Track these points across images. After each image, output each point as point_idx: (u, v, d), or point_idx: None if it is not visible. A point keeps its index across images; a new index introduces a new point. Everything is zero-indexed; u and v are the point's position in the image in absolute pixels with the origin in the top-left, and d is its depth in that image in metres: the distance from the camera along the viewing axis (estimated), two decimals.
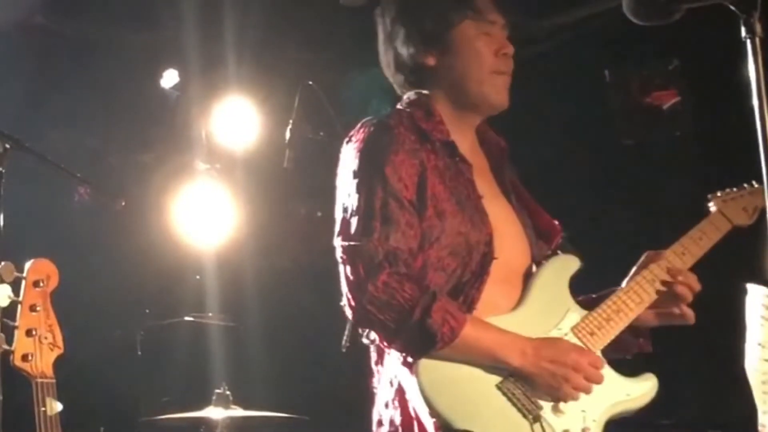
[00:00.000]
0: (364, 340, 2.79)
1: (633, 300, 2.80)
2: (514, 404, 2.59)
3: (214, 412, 4.67)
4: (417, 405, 2.59)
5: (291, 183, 5.80)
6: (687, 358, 4.70)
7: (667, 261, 2.84)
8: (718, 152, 5.03)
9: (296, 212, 6.34)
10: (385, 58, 2.97)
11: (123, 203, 3.81)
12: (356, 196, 2.69)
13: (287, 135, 4.80)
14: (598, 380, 2.65)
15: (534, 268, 2.84)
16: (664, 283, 2.82)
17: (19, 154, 3.46)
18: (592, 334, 2.73)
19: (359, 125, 2.83)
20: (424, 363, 2.55)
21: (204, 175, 6.11)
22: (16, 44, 5.34)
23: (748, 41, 1.98)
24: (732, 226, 2.97)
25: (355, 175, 2.71)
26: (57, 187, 5.58)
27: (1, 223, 3.25)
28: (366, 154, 2.72)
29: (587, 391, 2.63)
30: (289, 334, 6.12)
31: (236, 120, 5.94)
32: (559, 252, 2.90)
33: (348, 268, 2.62)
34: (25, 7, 5.37)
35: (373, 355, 2.81)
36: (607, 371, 2.72)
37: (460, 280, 2.68)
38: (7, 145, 3.38)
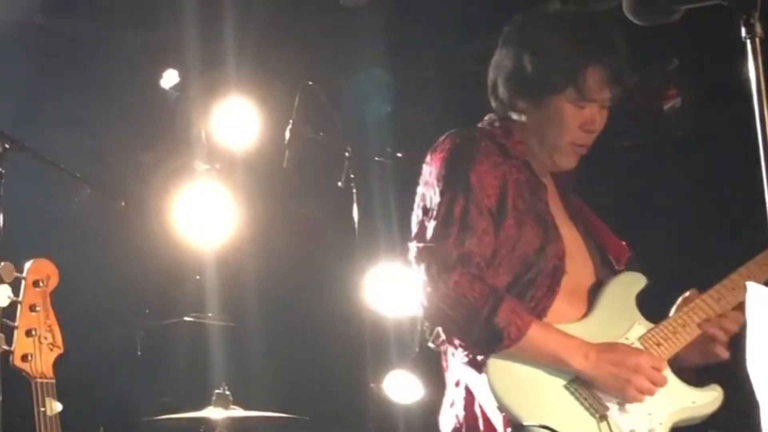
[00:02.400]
0: (431, 345, 2.89)
1: (698, 315, 2.85)
2: (582, 403, 2.66)
3: (214, 412, 4.67)
4: (484, 402, 2.68)
5: (291, 183, 5.80)
6: None
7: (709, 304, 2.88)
8: (718, 152, 5.03)
9: (296, 212, 6.33)
10: (490, 81, 2.98)
11: (123, 203, 3.82)
12: (438, 200, 2.77)
13: (287, 135, 4.80)
14: (661, 382, 2.72)
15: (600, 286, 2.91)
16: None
17: (19, 154, 3.46)
18: (658, 344, 2.80)
19: (444, 136, 2.90)
20: (494, 361, 2.64)
21: (204, 175, 6.11)
22: (16, 44, 5.33)
23: (748, 41, 1.98)
24: None
25: (440, 180, 2.80)
26: (57, 187, 5.57)
27: (1, 223, 3.25)
28: (452, 162, 2.81)
29: (650, 393, 2.70)
30: (289, 334, 6.11)
31: (236, 120, 5.94)
32: (625, 271, 2.97)
33: (421, 267, 2.70)
34: (24, 7, 5.37)
35: (443, 361, 2.91)
36: (673, 379, 2.79)
37: (531, 289, 2.76)
38: (7, 145, 3.39)
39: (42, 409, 2.76)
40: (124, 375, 5.75)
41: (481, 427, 2.70)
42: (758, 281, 2.85)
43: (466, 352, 2.71)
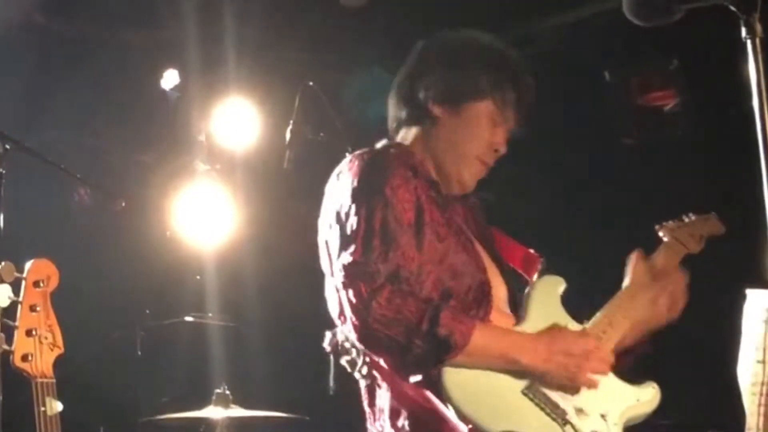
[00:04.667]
0: (356, 375, 2.80)
1: (621, 314, 2.87)
2: (542, 409, 2.64)
3: (214, 412, 4.67)
4: (436, 418, 2.59)
5: (291, 183, 5.79)
6: (687, 358, 4.70)
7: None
8: (718, 152, 5.03)
9: (296, 212, 6.32)
10: (401, 90, 3.01)
11: (123, 203, 3.82)
12: (355, 218, 2.68)
13: (287, 135, 4.80)
14: (608, 360, 2.73)
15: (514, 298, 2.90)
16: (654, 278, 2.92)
17: (19, 154, 3.46)
18: (598, 338, 2.78)
19: (349, 158, 2.87)
20: (448, 371, 2.57)
21: (204, 175, 6.11)
22: (16, 44, 5.33)
23: (748, 41, 1.98)
24: (687, 251, 3.07)
25: (354, 197, 2.72)
26: (57, 187, 5.57)
27: (1, 223, 3.25)
28: (364, 177, 2.74)
29: (603, 373, 2.70)
30: (289, 334, 6.11)
31: (236, 120, 5.94)
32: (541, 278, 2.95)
33: (350, 291, 2.60)
34: (24, 7, 5.37)
35: (365, 396, 2.81)
36: (615, 379, 2.79)
37: (464, 302, 2.71)
38: (7, 146, 3.39)
39: (42, 408, 2.76)
40: (124, 375, 5.75)
41: None
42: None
43: (414, 376, 2.60)
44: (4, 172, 3.33)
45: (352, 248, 2.64)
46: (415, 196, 2.74)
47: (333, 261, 2.72)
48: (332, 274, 2.72)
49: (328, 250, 2.77)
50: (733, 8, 2.00)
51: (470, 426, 2.55)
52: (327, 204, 2.83)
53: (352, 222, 2.68)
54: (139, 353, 5.75)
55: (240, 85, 5.91)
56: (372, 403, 2.78)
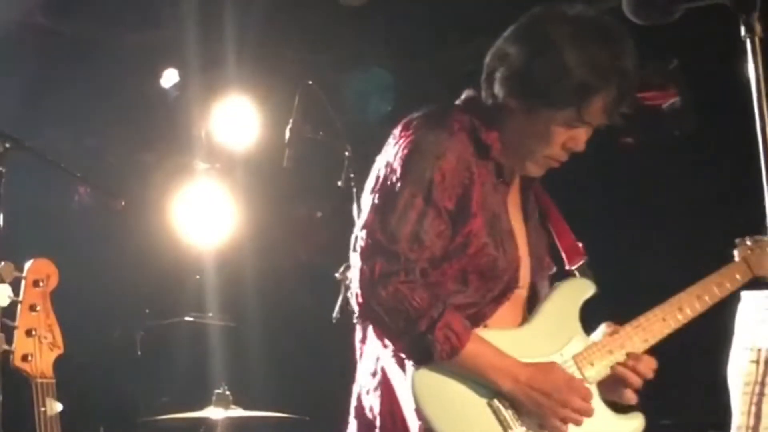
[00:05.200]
0: (354, 319, 2.80)
1: (639, 336, 2.78)
2: (501, 423, 2.60)
3: (214, 412, 4.67)
4: (402, 400, 2.61)
5: (291, 183, 5.80)
6: (687, 358, 4.70)
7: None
8: (718, 152, 5.03)
9: (296, 212, 6.34)
10: (485, 72, 2.76)
11: (123, 203, 3.81)
12: (396, 194, 2.62)
13: (287, 135, 4.80)
14: (588, 414, 2.64)
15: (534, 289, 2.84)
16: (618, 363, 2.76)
17: (19, 154, 3.46)
18: (592, 364, 2.73)
19: (420, 115, 2.73)
20: (420, 372, 2.56)
21: (204, 174, 6.11)
22: (16, 44, 5.33)
23: (748, 41, 1.98)
24: (752, 276, 2.89)
25: (402, 170, 2.63)
26: (57, 187, 5.58)
27: (1, 223, 3.25)
28: (419, 152, 2.63)
29: (577, 424, 2.63)
30: (289, 334, 6.12)
31: (236, 120, 5.94)
32: (577, 274, 2.89)
33: (365, 264, 2.58)
34: (24, 7, 5.37)
35: (359, 333, 2.82)
36: (599, 405, 2.71)
37: (479, 298, 2.68)
38: (7, 145, 3.38)
39: (42, 409, 2.75)
40: (124, 375, 5.75)
41: (395, 426, 2.62)
42: (709, 301, 2.83)
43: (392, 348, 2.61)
44: (4, 171, 3.33)
45: (382, 226, 2.60)
46: (468, 181, 2.65)
47: (362, 219, 2.67)
48: (358, 232, 2.67)
49: (364, 200, 2.72)
50: (732, 8, 1.99)
51: (421, 423, 2.55)
52: (380, 157, 2.73)
53: (392, 198, 2.62)
54: (139, 353, 5.75)
55: (240, 85, 5.91)
56: (363, 341, 2.79)
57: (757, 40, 1.98)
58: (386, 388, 2.67)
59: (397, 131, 2.74)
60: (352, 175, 5.11)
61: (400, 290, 2.54)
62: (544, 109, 2.65)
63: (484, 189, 2.69)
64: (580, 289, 2.84)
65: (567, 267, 2.92)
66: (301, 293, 6.13)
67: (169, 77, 6.00)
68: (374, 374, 2.71)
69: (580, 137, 2.72)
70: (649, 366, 2.77)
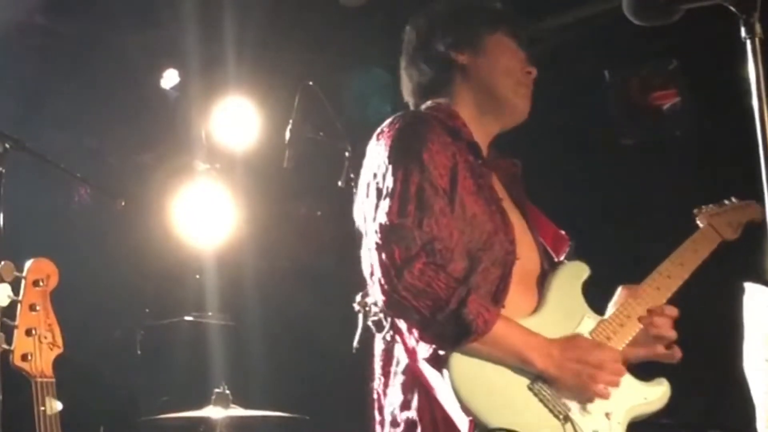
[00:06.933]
0: (378, 336, 2.82)
1: (641, 306, 2.84)
2: (545, 405, 2.63)
3: (213, 412, 4.67)
4: (447, 403, 2.60)
5: (291, 183, 5.80)
6: (687, 358, 4.69)
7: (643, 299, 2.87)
8: (718, 152, 5.03)
9: (296, 212, 6.34)
10: (416, 58, 3.02)
11: (123, 203, 3.82)
12: (391, 179, 2.70)
13: (287, 135, 4.80)
14: (621, 373, 2.70)
15: (544, 276, 2.88)
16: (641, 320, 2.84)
17: (19, 154, 3.46)
18: (608, 338, 2.78)
19: (391, 119, 2.85)
20: (456, 356, 2.57)
21: (204, 175, 6.11)
22: (16, 44, 5.34)
23: (748, 41, 1.98)
24: (721, 239, 3.06)
25: (390, 159, 2.73)
26: (57, 187, 5.58)
27: (1, 223, 3.25)
28: (403, 141, 2.75)
29: (615, 385, 2.68)
30: (289, 334, 6.12)
31: (236, 120, 5.94)
32: (566, 261, 2.94)
33: (383, 253, 2.61)
34: (25, 7, 5.37)
35: (381, 358, 2.82)
36: (626, 375, 2.76)
37: (488, 272, 2.71)
38: (8, 145, 3.39)
39: (42, 408, 2.76)
40: (124, 375, 5.75)
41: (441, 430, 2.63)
42: (690, 266, 2.94)
43: (428, 347, 2.63)
44: (4, 171, 3.33)
45: (387, 209, 2.65)
46: (452, 162, 2.75)
47: (368, 221, 2.73)
48: (367, 234, 2.73)
49: (363, 210, 2.79)
50: (732, 8, 1.99)
51: (471, 418, 2.55)
52: (366, 163, 2.84)
53: (389, 184, 2.70)
54: (139, 353, 5.75)
55: (240, 85, 5.91)
56: (386, 369, 2.80)
57: (757, 40, 1.98)
58: (424, 399, 2.67)
59: (373, 141, 2.84)
60: (352, 175, 5.11)
61: (425, 271, 2.56)
62: (485, 35, 2.94)
63: (469, 167, 2.78)
64: (576, 272, 2.88)
65: (556, 259, 2.96)
66: (301, 293, 6.13)
67: (170, 78, 6.00)
68: (406, 387, 2.71)
69: (525, 60, 2.97)
70: (672, 310, 2.85)
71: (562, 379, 2.63)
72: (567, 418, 2.62)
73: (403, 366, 2.73)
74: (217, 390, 4.74)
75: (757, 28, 1.98)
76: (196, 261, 6.08)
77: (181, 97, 6.08)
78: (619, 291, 2.93)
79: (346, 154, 4.77)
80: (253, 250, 6.17)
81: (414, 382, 2.70)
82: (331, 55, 5.88)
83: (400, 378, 2.74)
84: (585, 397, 2.66)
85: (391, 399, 2.76)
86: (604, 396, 2.66)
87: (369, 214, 2.73)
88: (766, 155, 1.91)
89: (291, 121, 4.80)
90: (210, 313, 5.95)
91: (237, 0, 5.49)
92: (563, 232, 3.01)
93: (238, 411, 4.72)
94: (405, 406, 2.71)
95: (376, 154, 2.79)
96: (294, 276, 6.24)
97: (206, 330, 5.94)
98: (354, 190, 5.13)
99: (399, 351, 2.76)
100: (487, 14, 2.99)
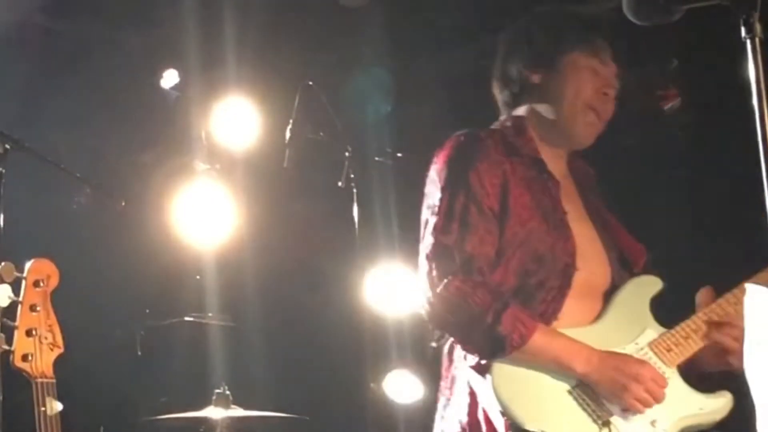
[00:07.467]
0: (433, 344, 2.97)
1: (713, 320, 2.84)
2: (584, 409, 2.67)
3: (214, 412, 4.67)
4: (488, 406, 2.68)
5: (291, 183, 5.79)
6: None
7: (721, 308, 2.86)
8: (718, 152, 5.03)
9: (296, 212, 6.33)
10: (498, 75, 3.08)
11: (123, 203, 3.82)
12: (439, 197, 2.82)
13: (287, 135, 4.80)
14: (659, 396, 2.70)
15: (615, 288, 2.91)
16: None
17: (19, 154, 3.46)
18: (669, 350, 2.79)
19: (451, 137, 2.95)
20: (498, 366, 2.65)
21: (204, 175, 6.10)
22: (16, 44, 5.33)
23: (748, 41, 1.98)
24: None
25: (441, 178, 2.85)
26: (57, 187, 5.57)
27: (1, 223, 3.25)
28: (453, 161, 2.86)
29: (647, 404, 2.69)
30: (289, 334, 6.11)
31: (236, 120, 5.93)
32: (640, 274, 2.97)
33: (428, 266, 2.74)
34: (24, 7, 5.37)
35: (445, 361, 2.91)
36: (681, 385, 2.78)
37: (541, 291, 2.75)
38: (7, 146, 3.39)
39: (42, 408, 2.76)
40: (124, 375, 5.74)
41: (484, 431, 2.70)
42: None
43: (472, 356, 2.72)
44: (4, 171, 3.33)
45: (433, 227, 2.78)
46: (502, 179, 2.82)
47: (423, 235, 2.84)
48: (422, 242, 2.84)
49: (422, 221, 2.90)
50: (732, 8, 1.99)
51: (506, 419, 2.62)
52: (427, 182, 2.95)
53: (436, 202, 2.83)
54: (139, 353, 5.75)
55: (240, 85, 5.90)
56: (448, 368, 2.89)
57: (757, 40, 1.98)
58: (473, 400, 2.75)
59: (434, 158, 2.95)
60: (352, 175, 5.12)
61: (461, 288, 2.66)
62: (562, 55, 2.94)
63: (525, 183, 2.85)
64: (647, 285, 2.91)
65: (634, 270, 2.98)
66: (301, 293, 6.13)
67: (169, 78, 6.00)
68: (462, 388, 2.79)
69: (608, 79, 2.97)
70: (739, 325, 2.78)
71: (601, 384, 2.67)
72: (606, 424, 2.66)
73: (458, 371, 2.83)
74: (217, 390, 4.74)
75: (757, 28, 1.98)
76: (196, 261, 6.07)
77: (181, 97, 6.08)
78: (702, 293, 2.92)
79: (346, 154, 4.78)
80: (253, 250, 6.16)
81: (463, 387, 2.79)
82: (331, 55, 5.88)
83: (456, 382, 2.83)
84: (621, 407, 2.69)
85: (453, 400, 2.84)
86: (637, 410, 2.68)
87: (422, 228, 2.85)
88: (766, 155, 1.91)
89: (291, 121, 4.81)
90: (210, 314, 5.95)
91: (237, 0, 5.49)
92: (640, 245, 3.05)
93: (238, 411, 4.72)
94: (454, 406, 2.80)
95: (433, 172, 2.91)
96: (294, 276, 6.23)
97: (206, 330, 5.94)
98: (354, 191, 5.15)
99: (453, 356, 2.86)
100: (565, 33, 2.99)
